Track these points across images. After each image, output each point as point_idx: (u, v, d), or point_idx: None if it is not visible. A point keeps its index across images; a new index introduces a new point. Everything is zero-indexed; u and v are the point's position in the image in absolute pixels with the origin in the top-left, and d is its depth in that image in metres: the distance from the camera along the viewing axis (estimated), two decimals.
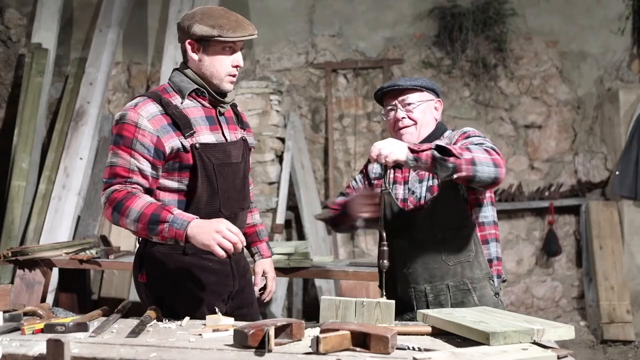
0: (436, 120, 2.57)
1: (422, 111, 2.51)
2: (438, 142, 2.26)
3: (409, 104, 2.50)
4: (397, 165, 2.31)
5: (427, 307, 2.41)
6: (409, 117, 2.50)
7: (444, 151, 2.18)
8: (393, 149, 2.19)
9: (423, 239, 2.42)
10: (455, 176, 2.19)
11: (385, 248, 2.27)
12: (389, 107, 2.55)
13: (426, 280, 2.43)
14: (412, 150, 2.19)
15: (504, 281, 2.52)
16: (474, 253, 2.42)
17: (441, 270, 2.41)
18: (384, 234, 2.29)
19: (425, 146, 2.21)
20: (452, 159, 2.17)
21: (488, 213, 2.49)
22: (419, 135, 2.51)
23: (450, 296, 2.41)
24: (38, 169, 5.49)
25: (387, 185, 2.51)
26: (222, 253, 2.12)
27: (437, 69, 6.06)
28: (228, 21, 2.28)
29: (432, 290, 2.43)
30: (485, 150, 2.25)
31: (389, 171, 2.53)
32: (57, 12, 5.71)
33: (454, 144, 2.42)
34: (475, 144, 2.31)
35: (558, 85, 6.05)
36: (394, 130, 2.54)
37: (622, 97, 5.69)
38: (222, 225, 2.13)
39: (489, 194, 2.50)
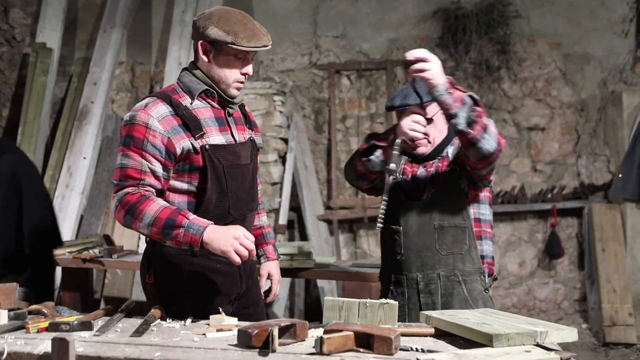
0: None
1: (435, 124, 2.49)
2: (472, 93, 2.31)
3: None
4: (404, 152, 2.37)
5: (418, 295, 2.47)
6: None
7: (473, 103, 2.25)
8: (436, 71, 2.20)
9: (419, 227, 2.47)
10: (466, 130, 2.22)
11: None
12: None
13: (418, 269, 2.48)
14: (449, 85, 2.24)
15: (495, 279, 2.57)
16: (467, 246, 2.47)
17: (433, 259, 2.46)
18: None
19: (460, 89, 2.26)
20: (478, 109, 2.23)
21: (486, 211, 2.53)
22: (432, 144, 2.53)
23: (441, 286, 2.46)
24: (42, 168, 5.50)
25: (395, 172, 2.50)
26: (237, 259, 2.13)
27: None
28: (244, 29, 2.25)
29: (424, 278, 2.47)
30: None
31: (401, 159, 2.52)
32: (61, 12, 5.72)
33: None
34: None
35: (561, 87, 6.05)
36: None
37: (625, 99, 5.69)
38: (240, 231, 2.14)
39: (487, 194, 2.54)
